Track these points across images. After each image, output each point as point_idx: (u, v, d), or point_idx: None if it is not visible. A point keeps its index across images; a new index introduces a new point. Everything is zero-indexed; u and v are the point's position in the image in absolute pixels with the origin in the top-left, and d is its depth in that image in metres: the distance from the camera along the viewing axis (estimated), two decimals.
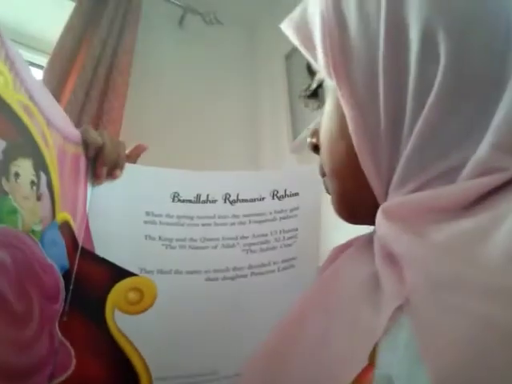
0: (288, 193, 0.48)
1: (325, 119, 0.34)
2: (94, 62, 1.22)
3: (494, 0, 0.26)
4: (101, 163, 0.44)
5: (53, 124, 0.38)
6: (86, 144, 0.44)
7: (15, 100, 0.32)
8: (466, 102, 0.25)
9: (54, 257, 0.35)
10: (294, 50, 1.44)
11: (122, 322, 0.40)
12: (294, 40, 0.33)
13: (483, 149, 0.23)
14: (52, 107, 0.40)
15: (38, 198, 0.34)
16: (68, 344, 0.35)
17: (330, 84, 0.32)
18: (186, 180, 0.48)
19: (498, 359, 0.17)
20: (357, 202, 0.33)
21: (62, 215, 0.38)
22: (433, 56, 0.25)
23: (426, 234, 0.23)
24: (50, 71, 1.14)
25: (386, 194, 0.28)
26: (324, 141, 0.34)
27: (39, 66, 1.38)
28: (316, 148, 0.38)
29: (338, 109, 0.31)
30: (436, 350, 0.19)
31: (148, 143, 0.51)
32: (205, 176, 0.49)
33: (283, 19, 0.35)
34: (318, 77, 0.35)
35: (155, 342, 0.41)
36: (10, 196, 0.30)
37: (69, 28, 1.23)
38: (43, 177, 0.35)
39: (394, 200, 0.27)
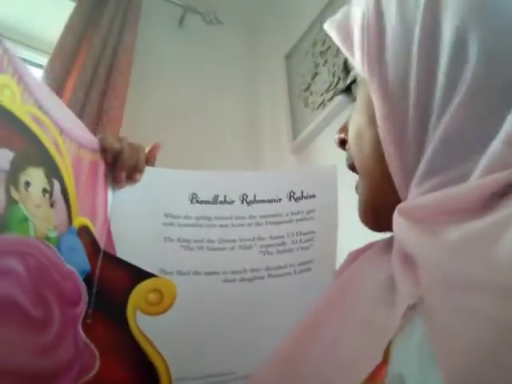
0: (305, 194, 0.48)
1: (355, 113, 0.34)
2: (94, 62, 1.21)
3: None
4: (120, 168, 0.44)
5: (66, 133, 0.38)
6: (104, 150, 0.44)
7: (24, 111, 0.33)
8: (491, 105, 0.25)
9: (73, 262, 0.35)
10: (294, 50, 1.44)
11: (142, 323, 0.40)
12: (336, 39, 0.34)
13: (494, 146, 0.23)
14: (65, 116, 0.40)
15: (52, 205, 0.34)
16: (92, 346, 0.35)
17: (363, 78, 0.33)
18: (203, 181, 0.48)
19: (510, 360, 0.17)
20: (382, 202, 0.33)
21: (80, 220, 0.38)
22: (463, 56, 0.25)
23: (442, 234, 0.23)
24: (50, 71, 1.13)
25: (408, 190, 0.28)
26: (352, 134, 0.34)
27: (39, 66, 1.37)
28: (343, 143, 0.38)
29: (368, 102, 0.31)
30: (448, 350, 0.19)
31: (148, 143, 0.50)
32: (222, 176, 0.49)
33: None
34: (352, 73, 0.35)
35: (174, 342, 0.41)
36: (21, 205, 0.31)
37: (69, 28, 1.22)
38: (57, 184, 0.35)
39: (411, 201, 0.27)
